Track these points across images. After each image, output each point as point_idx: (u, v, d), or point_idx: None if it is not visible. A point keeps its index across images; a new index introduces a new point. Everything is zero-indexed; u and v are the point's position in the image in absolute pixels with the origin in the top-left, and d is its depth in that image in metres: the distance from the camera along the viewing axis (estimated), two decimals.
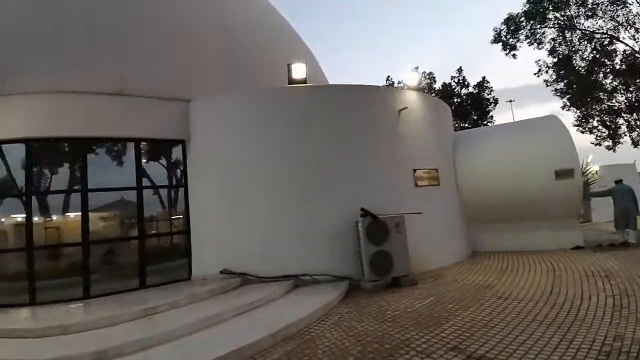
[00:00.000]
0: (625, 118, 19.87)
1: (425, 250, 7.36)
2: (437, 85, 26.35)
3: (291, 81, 7.18)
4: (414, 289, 5.99)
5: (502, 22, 17.62)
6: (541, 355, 3.19)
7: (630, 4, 15.63)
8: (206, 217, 6.96)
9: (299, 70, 7.17)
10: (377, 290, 5.99)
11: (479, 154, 9.24)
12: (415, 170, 7.74)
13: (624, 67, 18.22)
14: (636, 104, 19.02)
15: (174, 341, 4.04)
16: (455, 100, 26.27)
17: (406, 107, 7.66)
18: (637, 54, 17.20)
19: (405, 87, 7.95)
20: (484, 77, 26.45)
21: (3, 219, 6.31)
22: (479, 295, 5.29)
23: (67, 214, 6.48)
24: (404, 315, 4.65)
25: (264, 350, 3.85)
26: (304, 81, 7.20)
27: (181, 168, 7.13)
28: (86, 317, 5.10)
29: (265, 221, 6.72)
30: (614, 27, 16.24)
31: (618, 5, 15.75)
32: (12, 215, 6.32)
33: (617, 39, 16.46)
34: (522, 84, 74.11)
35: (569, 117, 21.33)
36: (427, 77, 25.89)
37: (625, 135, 19.97)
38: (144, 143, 6.90)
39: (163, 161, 7.25)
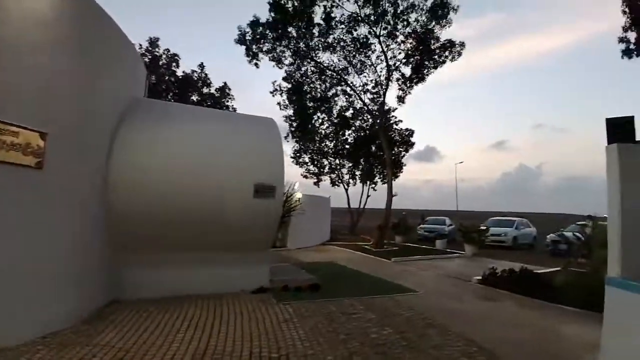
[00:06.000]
0: (329, 161, 23.36)
1: None
2: (180, 72, 22.21)
3: None
4: None
5: (248, 24, 15.72)
6: None
7: (372, 51, 16.12)
8: None
9: None
10: None
11: (159, 139, 5.71)
12: None
13: (336, 119, 21.14)
14: (340, 151, 22.63)
15: None
16: (196, 98, 23.09)
17: None
18: (352, 107, 20.08)
19: None
20: (225, 83, 24.88)
21: None
22: None
23: None
24: None
25: None
26: None
27: None
28: None
29: None
30: (345, 68, 16.99)
31: (359, 49, 16.01)
32: None
33: (346, 82, 17.53)
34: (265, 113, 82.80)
35: (289, 145, 22.87)
36: (169, 56, 21.30)
37: (327, 174, 23.40)
38: None
39: None
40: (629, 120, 3.56)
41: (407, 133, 21.67)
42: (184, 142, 5.82)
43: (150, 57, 20.86)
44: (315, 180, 23.15)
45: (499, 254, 13.53)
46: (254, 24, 15.48)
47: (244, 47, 15.79)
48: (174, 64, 21.56)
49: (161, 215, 5.48)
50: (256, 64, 16.09)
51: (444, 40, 14.98)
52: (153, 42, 20.78)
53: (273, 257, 9.25)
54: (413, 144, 21.79)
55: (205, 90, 22.93)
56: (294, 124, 20.17)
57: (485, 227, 15.05)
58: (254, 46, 15.84)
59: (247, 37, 15.71)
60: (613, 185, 3.70)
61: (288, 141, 21.98)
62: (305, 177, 22.85)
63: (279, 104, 19.12)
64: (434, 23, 14.48)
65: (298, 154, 22.47)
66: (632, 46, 11.32)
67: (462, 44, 14.85)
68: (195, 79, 22.66)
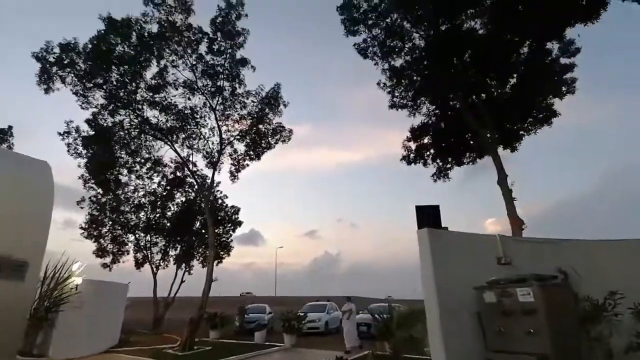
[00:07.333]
0: (138, 236, 19.33)
1: None
2: None
3: None
4: None
5: (59, 44, 12.50)
6: None
7: (203, 126, 15.36)
8: None
9: None
10: None
11: None
12: None
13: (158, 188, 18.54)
14: (154, 226, 19.13)
15: None
16: None
17: None
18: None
19: None
20: (10, 127, 18.89)
21: None
22: None
23: None
24: None
25: None
26: None
27: None
28: None
29: None
30: (174, 131, 15.14)
31: (192, 117, 14.95)
32: None
33: (173, 146, 15.36)
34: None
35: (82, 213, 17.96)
36: None
37: (128, 253, 18.99)
38: None
39: None
40: (435, 208, 3.99)
41: (232, 210, 20.73)
42: None
43: None
44: (110, 260, 18.39)
45: (315, 341, 13.35)
46: (67, 47, 12.64)
47: (39, 65, 12.46)
48: None
49: None
50: (46, 90, 12.71)
51: (276, 124, 16.03)
52: None
53: None
54: (241, 222, 20.87)
55: None
56: (92, 182, 16.17)
57: (303, 314, 14.88)
58: (54, 68, 12.64)
59: (51, 57, 12.53)
60: (427, 268, 3.89)
61: (82, 207, 17.33)
62: (100, 255, 17.92)
63: (68, 145, 14.61)
64: (267, 110, 15.55)
65: (94, 225, 17.72)
66: (412, 155, 14.74)
67: (291, 130, 16.21)
68: None
